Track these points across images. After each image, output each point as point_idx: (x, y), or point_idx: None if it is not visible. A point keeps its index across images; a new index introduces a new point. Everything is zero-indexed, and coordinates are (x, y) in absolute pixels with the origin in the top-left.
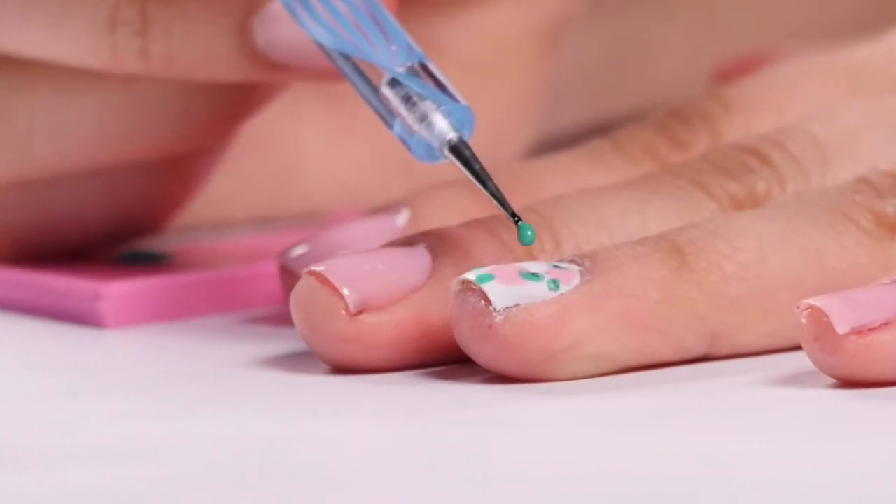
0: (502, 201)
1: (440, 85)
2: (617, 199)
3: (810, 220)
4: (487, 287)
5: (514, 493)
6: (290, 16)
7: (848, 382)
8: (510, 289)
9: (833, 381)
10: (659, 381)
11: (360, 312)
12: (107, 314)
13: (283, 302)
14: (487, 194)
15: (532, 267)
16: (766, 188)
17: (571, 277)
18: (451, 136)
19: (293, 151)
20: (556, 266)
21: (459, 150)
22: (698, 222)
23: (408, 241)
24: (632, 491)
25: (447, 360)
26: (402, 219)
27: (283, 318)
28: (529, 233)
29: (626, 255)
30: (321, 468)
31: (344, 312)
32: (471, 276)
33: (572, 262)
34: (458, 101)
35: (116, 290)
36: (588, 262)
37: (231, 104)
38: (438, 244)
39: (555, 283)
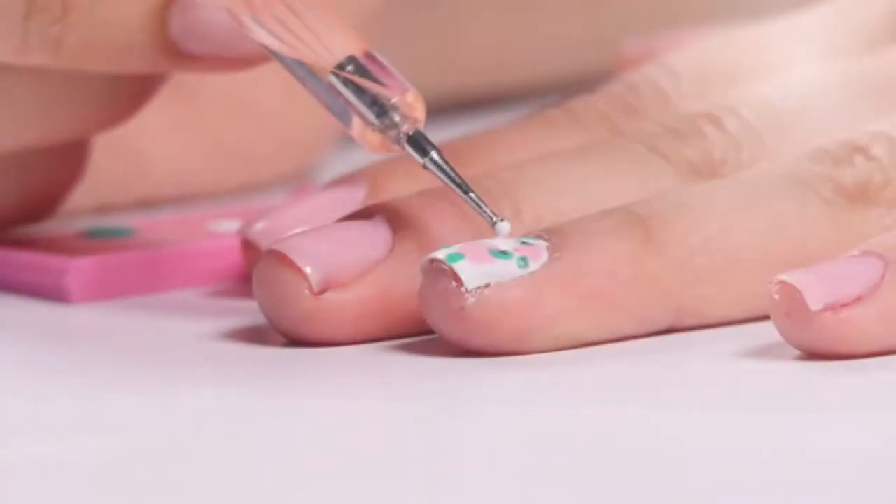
0: (464, 187)
1: (386, 72)
2: (575, 165)
3: (772, 191)
4: (458, 266)
5: (481, 465)
6: (212, 4)
7: (816, 355)
8: (480, 267)
9: (800, 352)
10: (626, 352)
11: (323, 291)
12: (73, 289)
13: (246, 275)
14: (450, 184)
15: (501, 244)
16: (722, 153)
17: (539, 254)
18: (406, 128)
19: (136, 138)
20: (523, 242)
21: (417, 142)
22: (661, 193)
23: (367, 214)
24: (600, 460)
25: (412, 332)
26: (361, 191)
27: (247, 291)
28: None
29: (593, 229)
30: (287, 441)
31: (307, 292)
32: (440, 255)
33: (539, 237)
34: (407, 89)
35: (83, 265)
36: (555, 238)
37: (142, 85)
38: (398, 216)
39: (524, 261)
